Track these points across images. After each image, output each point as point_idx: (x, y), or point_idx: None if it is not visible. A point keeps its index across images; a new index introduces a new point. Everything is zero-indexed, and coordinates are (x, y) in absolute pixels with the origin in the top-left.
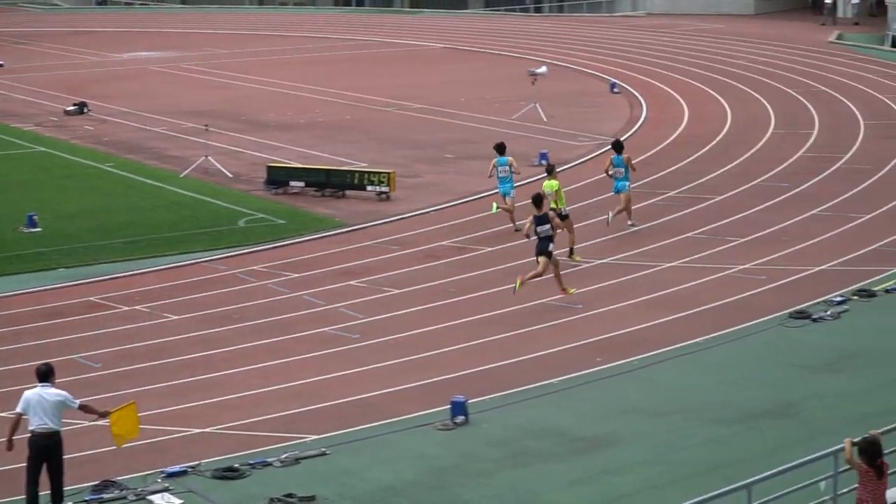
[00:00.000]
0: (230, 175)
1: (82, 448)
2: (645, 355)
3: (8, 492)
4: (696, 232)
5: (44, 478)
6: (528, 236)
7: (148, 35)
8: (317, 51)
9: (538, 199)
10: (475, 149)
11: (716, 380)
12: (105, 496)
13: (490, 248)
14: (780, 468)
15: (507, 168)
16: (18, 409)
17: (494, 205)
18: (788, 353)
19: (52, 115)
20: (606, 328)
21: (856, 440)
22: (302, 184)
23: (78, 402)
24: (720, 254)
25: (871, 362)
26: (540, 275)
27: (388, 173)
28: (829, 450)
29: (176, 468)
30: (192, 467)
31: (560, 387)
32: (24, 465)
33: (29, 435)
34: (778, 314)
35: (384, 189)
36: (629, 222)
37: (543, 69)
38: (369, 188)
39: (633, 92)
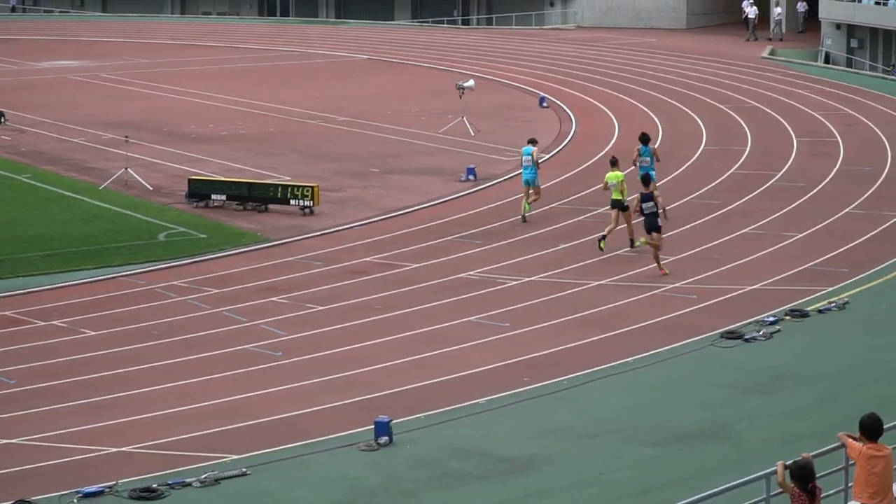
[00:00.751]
0: (150, 188)
1: None
2: (574, 375)
3: None
4: (626, 250)
5: None
6: (636, 212)
7: (67, 43)
8: (240, 61)
9: (646, 178)
10: (401, 163)
11: (646, 401)
12: None
13: (416, 265)
14: (712, 491)
15: (530, 158)
16: None
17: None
18: (720, 373)
19: None
20: (534, 347)
21: (788, 463)
22: (224, 197)
23: None
24: (650, 272)
25: (804, 384)
26: (658, 247)
27: (312, 187)
28: (761, 472)
29: (92, 488)
30: (109, 487)
31: (486, 407)
32: None
33: None
34: (709, 334)
35: (308, 203)
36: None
37: (471, 82)
38: (293, 202)
39: (563, 106)
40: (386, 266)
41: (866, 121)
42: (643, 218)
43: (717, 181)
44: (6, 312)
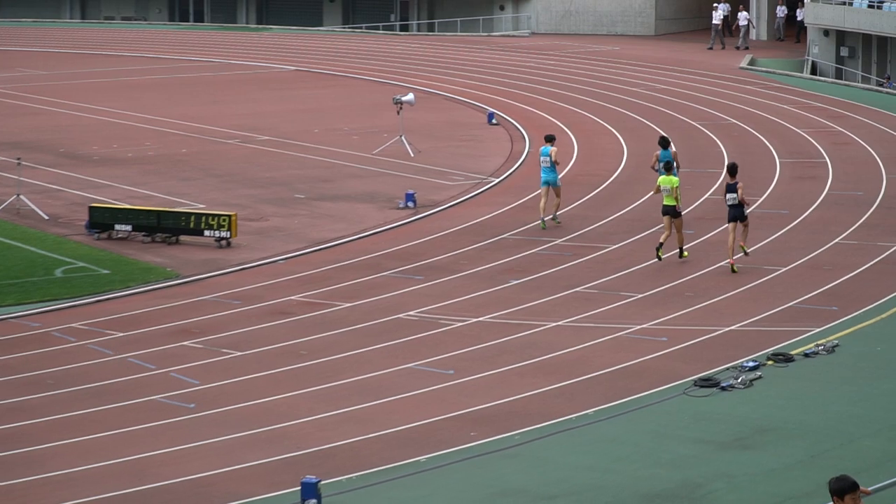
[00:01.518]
0: (46, 217)
1: None
2: (527, 429)
3: None
4: (587, 286)
5: None
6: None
7: None
8: (148, 73)
9: (732, 168)
10: (330, 188)
11: (609, 458)
12: None
13: (348, 304)
14: None
15: (548, 158)
16: None
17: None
18: (693, 426)
19: None
20: (482, 398)
21: None
22: (129, 228)
23: None
24: (614, 311)
25: (788, 437)
26: (745, 234)
27: (230, 216)
28: None
29: None
30: None
31: (428, 465)
32: None
33: None
34: (681, 381)
35: (224, 234)
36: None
37: (410, 97)
38: (207, 233)
39: (515, 124)
40: (313, 305)
41: (858, 139)
42: (727, 208)
43: (690, 208)
44: None
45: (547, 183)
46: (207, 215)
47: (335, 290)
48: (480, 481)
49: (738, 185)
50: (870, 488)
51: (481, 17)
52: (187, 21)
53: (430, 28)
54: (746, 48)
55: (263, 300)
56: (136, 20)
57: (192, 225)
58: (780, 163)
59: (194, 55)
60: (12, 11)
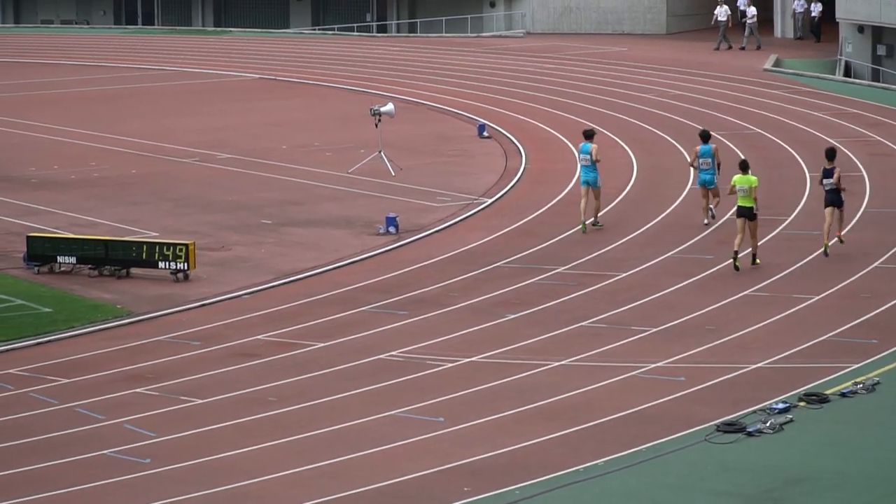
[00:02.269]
0: None
1: None
2: (527, 483)
3: None
4: (594, 320)
5: None
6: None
7: None
8: (92, 83)
9: (830, 152)
10: (301, 212)
11: None
12: None
13: (322, 344)
14: None
15: (588, 156)
16: None
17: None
18: (716, 478)
19: None
20: (477, 448)
21: None
22: (73, 260)
23: None
24: (625, 348)
25: (824, 489)
26: (841, 221)
27: (187, 245)
28: None
29: None
30: None
31: None
32: None
33: None
34: (702, 426)
35: (181, 266)
36: (710, 208)
37: (390, 107)
38: (162, 265)
39: (509, 136)
40: (283, 346)
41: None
42: (825, 193)
43: (710, 230)
44: None
45: (587, 183)
46: (162, 245)
47: (307, 327)
48: None
49: (835, 170)
50: None
51: (469, 16)
52: (135, 24)
53: (412, 29)
54: (758, 47)
55: (226, 340)
56: (77, 24)
57: (144, 256)
58: (811, 177)
59: (144, 63)
60: None
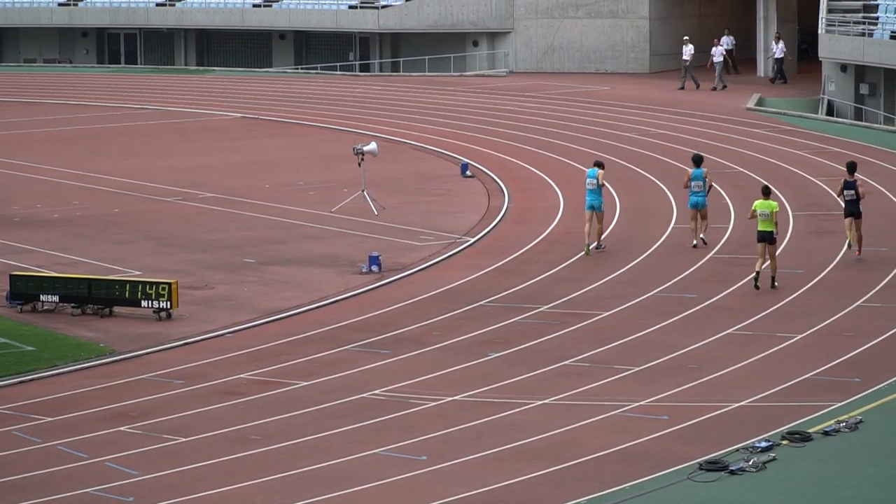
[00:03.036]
0: None
1: None
2: None
3: None
4: (577, 359)
5: None
6: (840, 195)
7: None
8: (74, 122)
9: (851, 166)
10: (284, 251)
11: None
12: None
13: (305, 382)
14: None
15: (595, 181)
16: None
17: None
18: None
19: None
20: (460, 487)
21: None
22: (56, 298)
23: None
24: (607, 387)
25: None
26: (860, 233)
27: (169, 284)
28: None
29: None
30: None
31: None
32: None
33: None
34: (684, 465)
35: (164, 305)
36: (700, 237)
37: (373, 146)
38: (144, 304)
39: (492, 175)
40: (266, 384)
41: (881, 188)
42: (844, 204)
43: (692, 268)
44: None
45: (592, 207)
46: (144, 283)
47: (290, 366)
48: None
49: (857, 183)
50: None
51: (452, 55)
52: (118, 63)
53: (395, 68)
54: (724, 87)
55: (209, 379)
56: (60, 62)
57: (127, 294)
58: (794, 216)
59: (127, 101)
60: None
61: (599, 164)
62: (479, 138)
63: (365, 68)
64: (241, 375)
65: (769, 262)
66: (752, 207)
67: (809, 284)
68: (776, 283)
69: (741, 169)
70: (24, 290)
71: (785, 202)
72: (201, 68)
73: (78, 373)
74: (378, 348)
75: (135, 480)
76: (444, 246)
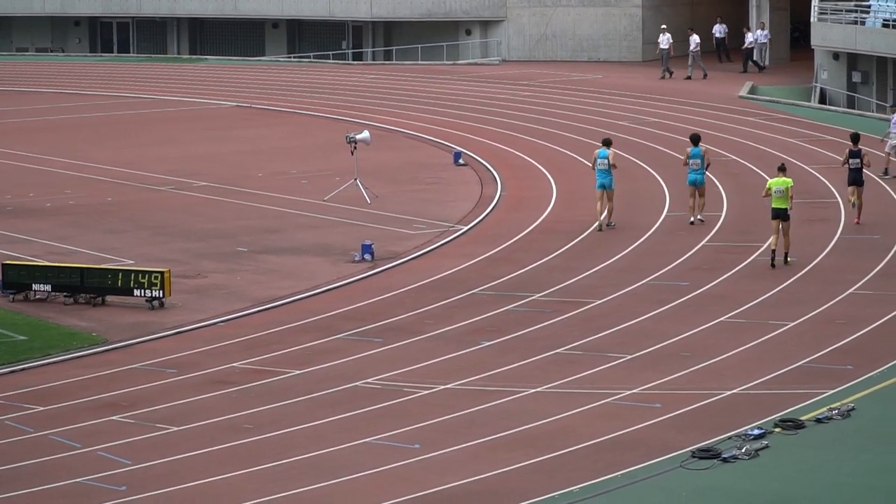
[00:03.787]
0: None
1: None
2: None
3: None
4: (569, 347)
5: None
6: (843, 165)
7: None
8: (67, 111)
9: (855, 136)
10: (277, 239)
11: None
12: None
13: (298, 371)
14: None
15: (606, 161)
16: None
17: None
18: (691, 503)
19: None
20: (452, 475)
21: None
22: (49, 287)
23: None
24: (601, 375)
25: None
26: (861, 200)
27: (162, 273)
28: None
29: None
30: None
31: None
32: None
33: None
34: (677, 453)
35: (157, 294)
36: (698, 217)
37: (365, 134)
38: (137, 293)
39: (485, 164)
40: (259, 373)
41: (874, 175)
42: (848, 171)
43: (685, 257)
44: None
45: (603, 186)
46: (137, 272)
47: (283, 355)
48: None
49: (862, 152)
50: None
51: (445, 44)
52: (111, 52)
53: (387, 56)
54: (704, 76)
55: (202, 368)
56: (52, 52)
57: (119, 283)
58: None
59: (120, 90)
60: None
61: (607, 143)
62: (472, 126)
63: (358, 57)
64: (234, 364)
65: (784, 238)
66: (767, 185)
67: (802, 272)
68: (789, 259)
69: (733, 156)
70: (17, 280)
71: None
72: (194, 57)
73: (70, 362)
74: (371, 337)
75: (127, 470)
76: (436, 234)
